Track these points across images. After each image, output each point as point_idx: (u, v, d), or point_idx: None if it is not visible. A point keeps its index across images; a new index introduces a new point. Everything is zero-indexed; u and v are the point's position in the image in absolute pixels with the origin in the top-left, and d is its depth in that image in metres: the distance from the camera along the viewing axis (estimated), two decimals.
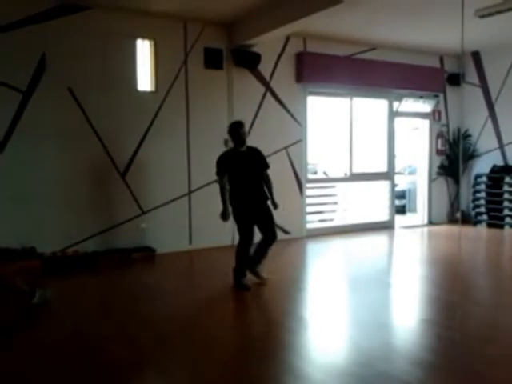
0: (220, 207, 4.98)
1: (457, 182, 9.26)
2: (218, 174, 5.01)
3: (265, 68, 7.33)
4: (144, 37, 6.55)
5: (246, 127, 7.11)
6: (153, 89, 6.64)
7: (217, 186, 6.90)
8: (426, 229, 8.89)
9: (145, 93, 6.59)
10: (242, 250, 4.98)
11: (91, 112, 6.17)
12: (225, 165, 4.99)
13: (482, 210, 8.85)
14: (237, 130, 5.08)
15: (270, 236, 5.04)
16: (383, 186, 8.79)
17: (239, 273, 4.96)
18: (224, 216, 4.93)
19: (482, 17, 6.33)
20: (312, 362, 3.34)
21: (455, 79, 9.16)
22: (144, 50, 6.60)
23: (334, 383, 2.99)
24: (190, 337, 3.76)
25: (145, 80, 6.61)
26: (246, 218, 4.97)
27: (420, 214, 9.45)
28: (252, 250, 5.07)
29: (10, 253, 5.50)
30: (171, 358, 3.38)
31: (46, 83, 5.89)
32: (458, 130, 9.25)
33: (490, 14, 6.25)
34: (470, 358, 3.31)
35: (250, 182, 5.01)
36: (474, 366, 3.18)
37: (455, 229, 8.65)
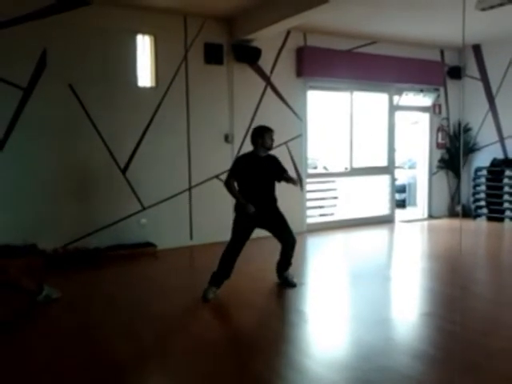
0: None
1: (457, 175, 9.27)
2: (228, 176, 4.76)
3: (265, 63, 7.32)
4: (144, 32, 6.54)
5: (246, 122, 7.19)
6: (153, 84, 6.64)
7: (217, 182, 6.95)
8: (426, 223, 8.90)
9: (145, 88, 6.59)
10: (227, 255, 4.62)
11: (91, 108, 6.17)
12: (239, 169, 4.71)
13: (482, 203, 8.86)
14: (269, 134, 4.76)
15: (288, 239, 4.86)
16: (383, 180, 8.79)
17: (212, 279, 4.62)
18: (244, 207, 4.56)
19: (484, 9, 6.30)
20: (312, 356, 3.36)
21: (456, 72, 9.14)
22: (144, 45, 6.60)
23: (335, 377, 3.01)
24: (192, 331, 3.78)
25: (145, 76, 6.61)
26: (246, 224, 4.65)
27: (420, 207, 9.47)
28: (277, 259, 4.98)
29: (11, 249, 5.52)
30: (173, 352, 3.41)
31: (47, 80, 5.89)
32: (459, 124, 9.24)
33: (492, 7, 6.21)
34: (470, 351, 3.33)
35: (261, 189, 4.76)
36: (474, 359, 3.20)
37: (455, 222, 8.67)
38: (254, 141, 4.81)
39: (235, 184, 4.72)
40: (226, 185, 4.75)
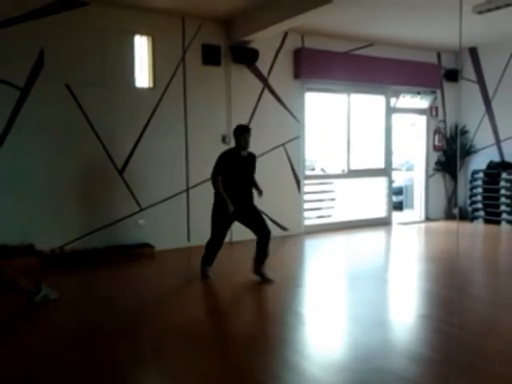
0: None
1: (454, 178, 9.29)
2: (216, 172, 5.05)
3: (263, 64, 7.33)
4: (142, 33, 6.54)
5: (244, 123, 7.17)
6: (151, 85, 6.63)
7: None
8: (423, 225, 8.92)
9: (143, 89, 6.59)
10: (210, 246, 5.17)
11: (89, 108, 6.16)
12: (225, 165, 5.04)
13: (479, 206, 8.89)
14: (244, 135, 5.14)
15: (263, 232, 5.08)
16: (380, 182, 8.81)
17: (203, 260, 5.21)
18: (227, 207, 4.93)
19: (480, 13, 6.33)
20: (310, 358, 3.36)
21: (452, 75, 9.17)
22: (142, 46, 6.59)
23: (332, 378, 3.01)
24: (189, 332, 3.77)
25: (143, 76, 6.61)
26: (225, 220, 5.07)
27: (417, 210, 9.49)
28: (253, 252, 5.13)
29: (8, 249, 5.50)
30: (171, 353, 3.39)
31: (44, 80, 5.88)
32: (456, 126, 9.27)
33: (489, 10, 6.25)
34: (467, 353, 3.33)
35: (241, 186, 5.11)
36: (471, 361, 3.20)
37: (452, 225, 8.69)
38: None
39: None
40: (213, 182, 5.04)
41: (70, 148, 6.11)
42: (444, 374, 3.06)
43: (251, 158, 5.27)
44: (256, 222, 5.12)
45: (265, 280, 5.05)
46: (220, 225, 5.11)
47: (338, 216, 8.43)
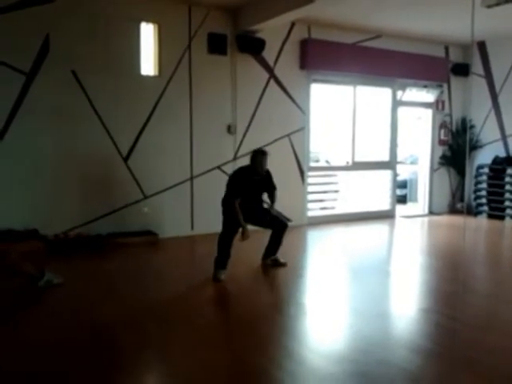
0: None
1: (459, 172, 9.26)
2: (232, 196, 4.86)
3: (269, 54, 7.29)
4: (148, 20, 6.51)
5: (249, 113, 7.17)
6: (156, 73, 6.61)
7: (219, 173, 6.96)
8: (426, 219, 8.91)
9: (148, 77, 6.57)
10: (223, 242, 4.86)
11: (94, 95, 6.15)
12: (240, 187, 4.91)
13: (483, 200, 8.86)
14: (260, 159, 4.95)
15: (280, 226, 5.20)
16: (385, 175, 8.79)
17: (216, 263, 4.84)
18: (246, 236, 4.83)
19: (489, 7, 6.27)
20: (311, 348, 3.37)
21: (460, 69, 9.11)
22: (148, 33, 6.56)
23: (333, 368, 3.02)
24: (191, 321, 3.79)
25: (148, 64, 6.58)
26: (236, 228, 4.93)
27: (421, 203, 9.47)
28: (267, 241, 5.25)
29: (13, 234, 5.53)
30: (173, 342, 3.41)
31: (50, 65, 5.86)
32: (463, 121, 9.22)
33: (498, 4, 6.19)
34: (468, 346, 3.34)
35: (253, 202, 5.09)
36: (472, 353, 3.21)
37: (456, 219, 8.68)
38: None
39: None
40: (229, 206, 4.86)
41: (75, 134, 6.11)
42: (445, 366, 3.07)
43: (266, 178, 5.12)
44: (270, 221, 5.15)
45: (278, 264, 5.25)
46: (232, 228, 4.92)
47: (342, 208, 8.43)
